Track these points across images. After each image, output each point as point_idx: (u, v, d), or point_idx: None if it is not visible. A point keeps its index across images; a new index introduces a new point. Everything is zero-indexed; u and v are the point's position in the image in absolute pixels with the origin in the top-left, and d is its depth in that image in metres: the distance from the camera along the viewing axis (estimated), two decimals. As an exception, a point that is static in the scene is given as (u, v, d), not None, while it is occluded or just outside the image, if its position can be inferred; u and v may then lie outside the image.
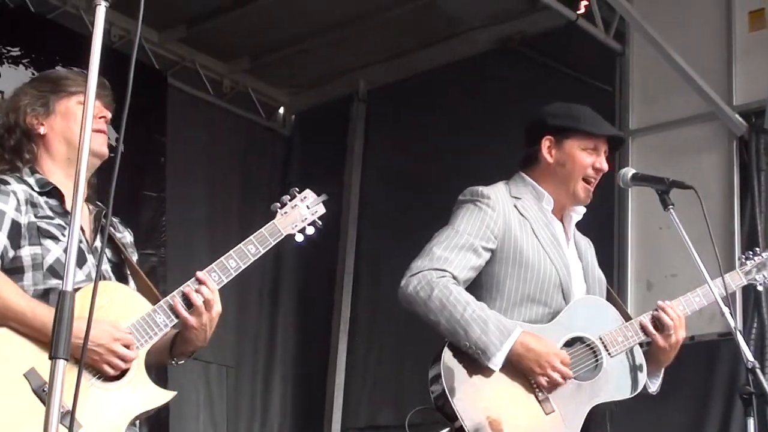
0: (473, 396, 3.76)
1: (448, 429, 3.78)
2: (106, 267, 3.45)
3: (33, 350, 3.12)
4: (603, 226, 4.43)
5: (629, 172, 4.20)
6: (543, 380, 3.78)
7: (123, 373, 3.21)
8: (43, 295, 3.26)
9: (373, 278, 8.57)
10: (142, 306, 3.32)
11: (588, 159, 4.05)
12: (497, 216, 3.95)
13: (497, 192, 4.02)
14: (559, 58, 7.73)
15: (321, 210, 3.75)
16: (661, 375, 4.11)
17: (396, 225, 8.18)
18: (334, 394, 8.52)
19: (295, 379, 8.82)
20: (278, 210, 3.65)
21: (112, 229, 3.55)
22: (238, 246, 3.47)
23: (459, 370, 3.78)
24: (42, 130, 3.46)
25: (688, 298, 4.09)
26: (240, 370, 8.55)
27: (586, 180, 4.06)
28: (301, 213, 3.69)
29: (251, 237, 3.51)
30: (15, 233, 3.28)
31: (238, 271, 3.44)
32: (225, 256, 3.43)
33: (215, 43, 8.42)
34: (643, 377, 4.00)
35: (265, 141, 9.17)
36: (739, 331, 3.80)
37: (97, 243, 3.44)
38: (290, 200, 3.69)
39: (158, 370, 3.48)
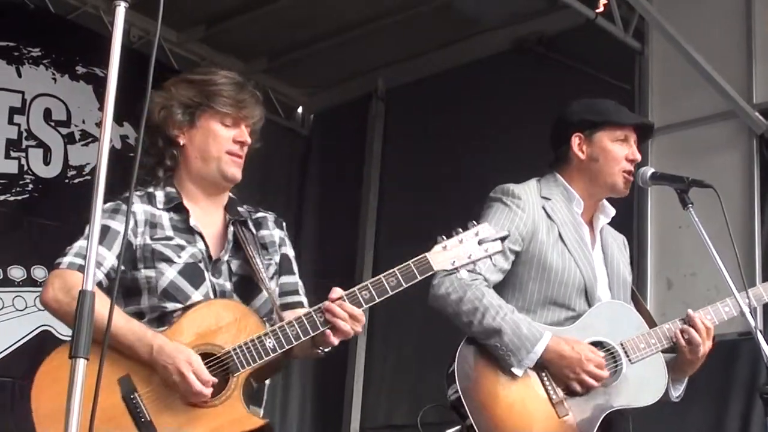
0: (486, 396, 3.77)
1: (458, 427, 3.79)
2: (223, 283, 3.40)
3: (132, 361, 3.18)
4: (622, 224, 4.41)
5: (648, 171, 4.19)
6: (577, 385, 3.78)
7: (218, 391, 3.19)
8: (159, 318, 3.29)
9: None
10: (257, 328, 3.26)
11: (621, 150, 4.05)
12: (526, 217, 3.95)
13: (528, 192, 4.02)
14: (578, 57, 7.70)
15: (495, 248, 3.30)
16: (685, 382, 4.09)
17: (415, 224, 8.16)
18: (353, 394, 8.52)
19: (314, 379, 8.81)
20: (440, 242, 3.28)
21: (245, 232, 3.49)
22: (377, 277, 3.24)
23: (474, 370, 3.79)
24: (181, 141, 3.45)
25: (717, 308, 4.06)
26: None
27: (624, 171, 4.05)
28: (466, 249, 3.28)
29: (395, 270, 3.24)
30: (127, 254, 3.30)
31: (372, 303, 3.23)
32: (359, 287, 3.24)
33: (234, 43, 8.43)
34: (664, 385, 3.97)
35: (284, 141, 9.16)
36: (760, 331, 3.79)
37: (225, 256, 3.42)
38: (461, 232, 3.30)
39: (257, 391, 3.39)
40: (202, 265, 3.35)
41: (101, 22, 7.59)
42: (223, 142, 3.45)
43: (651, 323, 4.03)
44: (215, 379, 3.17)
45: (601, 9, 7.32)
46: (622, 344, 3.92)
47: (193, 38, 8.32)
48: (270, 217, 3.63)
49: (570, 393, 3.82)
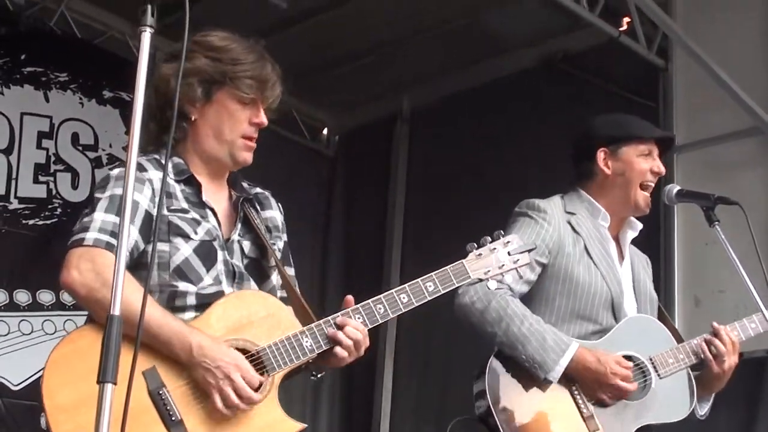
0: (517, 410, 3.76)
1: None
2: (239, 264, 3.19)
3: (160, 352, 2.93)
4: (649, 242, 4.41)
5: (674, 188, 4.19)
6: (605, 397, 3.77)
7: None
8: (168, 299, 3.05)
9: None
10: (292, 324, 3.10)
11: (645, 164, 4.06)
12: (552, 230, 3.95)
13: (553, 206, 4.03)
14: (602, 75, 7.70)
15: (524, 260, 3.33)
16: (711, 400, 4.08)
17: (441, 245, 8.14)
18: (381, 409, 8.51)
19: (342, 394, 8.81)
20: (473, 250, 3.29)
21: (253, 212, 3.29)
22: (415, 281, 3.19)
23: (504, 384, 3.78)
24: (193, 116, 3.22)
25: (743, 324, 4.06)
26: (289, 385, 8.55)
27: (643, 187, 4.05)
28: (499, 258, 3.29)
29: (432, 274, 3.21)
30: (146, 227, 3.04)
31: (410, 307, 3.18)
32: (397, 289, 3.19)
33: (259, 66, 8.47)
34: (692, 401, 3.97)
35: (309, 162, 9.19)
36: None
37: (234, 236, 3.21)
38: (490, 242, 3.31)
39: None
40: (216, 243, 3.13)
41: (127, 46, 7.65)
42: (238, 125, 3.23)
43: (678, 339, 4.02)
44: (263, 378, 2.98)
45: (624, 27, 7.33)
46: (651, 359, 3.91)
47: (218, 61, 8.36)
48: (269, 195, 3.45)
49: (600, 406, 3.81)
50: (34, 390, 6.69)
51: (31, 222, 7.06)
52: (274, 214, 3.41)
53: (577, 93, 7.73)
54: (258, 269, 3.25)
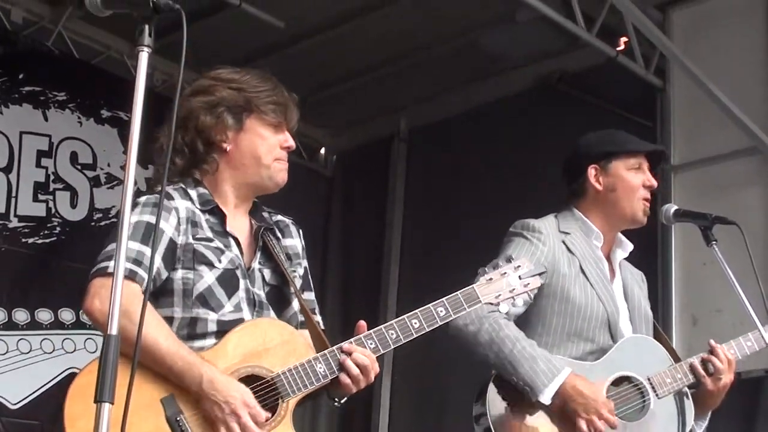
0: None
1: None
2: (260, 292, 3.28)
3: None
4: (646, 261, 4.41)
5: (672, 208, 4.19)
6: (585, 426, 3.75)
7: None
8: (190, 324, 3.14)
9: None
10: (306, 351, 3.17)
11: (636, 178, 4.06)
12: (548, 251, 3.94)
13: (548, 226, 4.02)
14: (600, 95, 7.72)
15: (535, 283, 3.39)
16: (708, 418, 4.08)
17: (437, 264, 8.17)
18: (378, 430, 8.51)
19: (340, 418, 8.79)
20: (484, 274, 3.34)
21: (273, 240, 3.37)
22: (426, 306, 3.23)
23: (504, 408, 3.78)
24: (226, 146, 3.31)
25: (739, 342, 4.06)
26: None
27: (641, 200, 4.06)
28: (509, 282, 3.33)
29: (443, 299, 3.25)
30: (170, 254, 3.15)
31: (422, 332, 3.20)
32: (409, 314, 3.21)
33: (257, 86, 8.49)
34: (690, 420, 3.96)
35: (306, 182, 9.18)
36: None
37: (255, 264, 3.30)
38: (500, 266, 3.38)
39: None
40: (238, 272, 3.22)
41: (125, 66, 7.68)
42: (272, 149, 3.34)
43: (675, 358, 4.02)
44: (269, 414, 3.04)
45: (622, 47, 7.36)
46: (649, 379, 3.90)
47: (216, 81, 8.38)
48: (290, 223, 3.54)
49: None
50: (32, 409, 6.70)
51: (30, 240, 7.06)
52: (295, 242, 3.50)
53: (575, 113, 7.73)
54: (279, 296, 3.34)
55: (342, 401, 3.27)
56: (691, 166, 7.14)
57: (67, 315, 7.00)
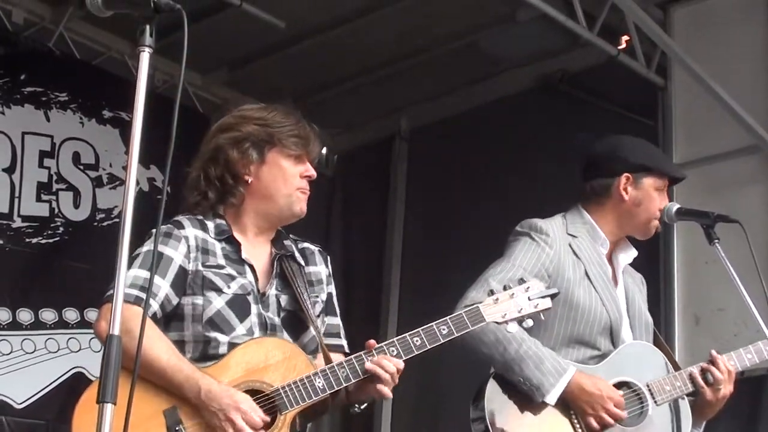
0: (515, 434, 3.75)
1: None
2: (273, 317, 3.40)
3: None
4: (649, 261, 4.40)
5: (674, 207, 4.16)
6: (594, 422, 3.75)
7: (265, 429, 3.18)
8: (203, 347, 3.29)
9: (417, 318, 8.48)
10: (307, 367, 3.28)
11: (661, 201, 4.05)
12: (553, 254, 3.92)
13: (555, 228, 3.99)
14: (601, 94, 7.72)
15: (545, 304, 3.41)
16: (703, 427, 4.08)
17: (439, 265, 8.17)
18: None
19: (342, 419, 8.78)
20: (491, 295, 3.41)
21: (294, 267, 3.51)
22: (429, 325, 3.33)
23: (502, 408, 3.77)
24: (248, 179, 3.46)
25: (740, 354, 4.04)
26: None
27: (657, 221, 4.06)
28: (517, 302, 3.38)
29: (447, 318, 3.36)
30: (180, 281, 3.31)
31: (423, 350, 3.32)
32: (411, 333, 3.33)
33: (258, 86, 8.47)
34: (687, 428, 3.96)
35: (307, 182, 9.18)
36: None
37: (271, 290, 3.43)
38: (511, 287, 3.42)
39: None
40: (250, 297, 3.35)
41: (126, 67, 7.68)
42: (292, 179, 3.48)
43: (674, 365, 4.01)
44: (268, 418, 3.17)
45: (623, 46, 7.36)
46: (648, 385, 3.90)
47: (217, 81, 8.40)
48: (316, 251, 3.66)
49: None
50: (38, 408, 6.71)
51: (34, 240, 7.08)
52: (319, 269, 3.61)
53: (576, 112, 7.74)
54: (295, 321, 3.45)
55: (362, 407, 3.44)
56: (693, 165, 7.12)
57: (71, 314, 7.02)
